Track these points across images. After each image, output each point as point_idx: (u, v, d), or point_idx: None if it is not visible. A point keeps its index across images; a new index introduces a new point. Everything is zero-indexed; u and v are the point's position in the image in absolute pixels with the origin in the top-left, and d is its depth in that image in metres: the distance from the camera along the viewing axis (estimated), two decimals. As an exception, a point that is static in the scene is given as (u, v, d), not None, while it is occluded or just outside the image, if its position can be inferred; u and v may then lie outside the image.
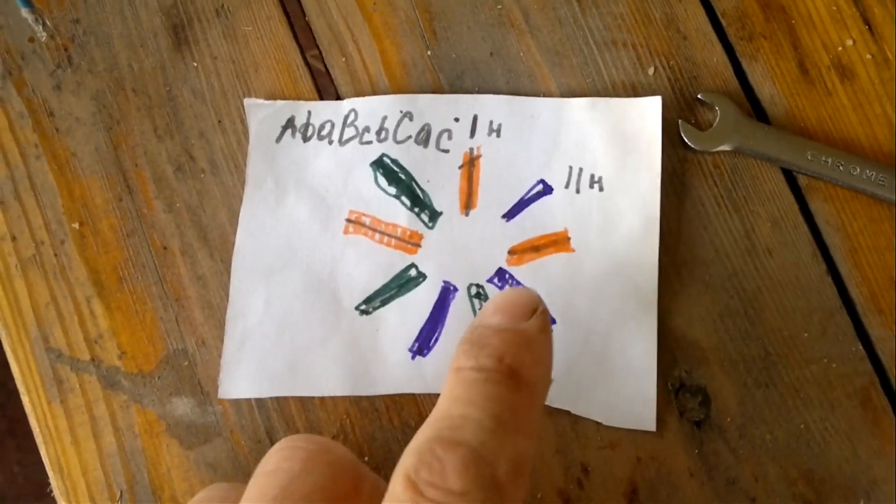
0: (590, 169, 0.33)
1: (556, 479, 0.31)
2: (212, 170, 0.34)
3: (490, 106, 0.34)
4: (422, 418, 0.32)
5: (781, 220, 0.33)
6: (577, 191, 0.33)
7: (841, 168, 0.32)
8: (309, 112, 0.34)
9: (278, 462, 0.24)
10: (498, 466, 0.21)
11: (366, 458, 0.32)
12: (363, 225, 0.33)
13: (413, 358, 0.32)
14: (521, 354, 0.23)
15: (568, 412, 0.31)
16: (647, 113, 0.33)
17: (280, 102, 0.34)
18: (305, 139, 0.34)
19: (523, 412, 0.23)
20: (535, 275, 0.33)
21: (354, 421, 0.32)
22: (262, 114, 0.34)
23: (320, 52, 0.35)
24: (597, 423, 0.31)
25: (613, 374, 0.32)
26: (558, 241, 0.33)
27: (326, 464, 0.24)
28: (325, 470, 0.24)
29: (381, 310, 0.33)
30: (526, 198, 0.33)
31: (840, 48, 0.34)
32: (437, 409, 0.23)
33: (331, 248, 0.33)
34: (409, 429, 0.32)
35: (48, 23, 0.34)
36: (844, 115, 0.34)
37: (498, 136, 0.34)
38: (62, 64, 0.35)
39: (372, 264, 0.33)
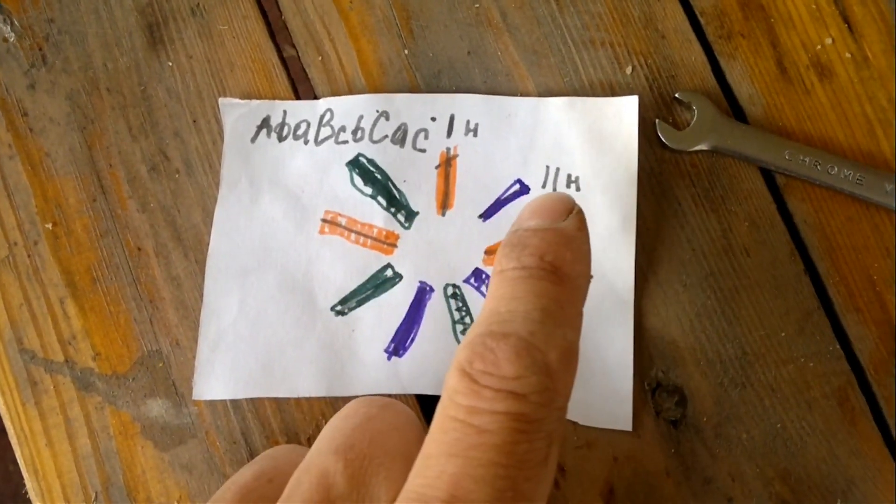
0: (567, 169, 0.33)
1: (533, 480, 0.31)
2: (186, 170, 0.34)
3: (467, 105, 0.34)
4: (398, 419, 0.32)
5: (759, 220, 0.33)
6: (554, 190, 0.33)
7: (819, 167, 0.32)
8: (284, 111, 0.34)
9: (356, 408, 0.25)
10: (549, 353, 0.22)
11: (341, 460, 0.32)
12: (339, 225, 0.33)
13: (389, 359, 0.32)
14: (562, 251, 0.24)
15: (544, 413, 0.31)
16: (624, 112, 0.33)
17: (255, 102, 0.34)
18: (281, 139, 0.34)
19: (568, 305, 0.24)
20: (511, 275, 0.32)
21: (330, 422, 0.32)
22: (237, 113, 0.34)
23: (297, 52, 0.35)
24: (573, 422, 0.31)
25: (590, 374, 0.31)
26: (535, 241, 0.33)
27: (400, 411, 0.25)
28: (399, 415, 0.25)
29: (357, 310, 0.33)
30: (503, 198, 0.33)
31: (819, 47, 0.34)
32: (484, 311, 0.23)
33: (306, 248, 0.33)
34: (386, 430, 0.32)
35: (16, 23, 0.34)
36: (823, 114, 0.34)
37: (475, 135, 0.34)
38: (36, 63, 0.35)
39: (347, 264, 0.33)
